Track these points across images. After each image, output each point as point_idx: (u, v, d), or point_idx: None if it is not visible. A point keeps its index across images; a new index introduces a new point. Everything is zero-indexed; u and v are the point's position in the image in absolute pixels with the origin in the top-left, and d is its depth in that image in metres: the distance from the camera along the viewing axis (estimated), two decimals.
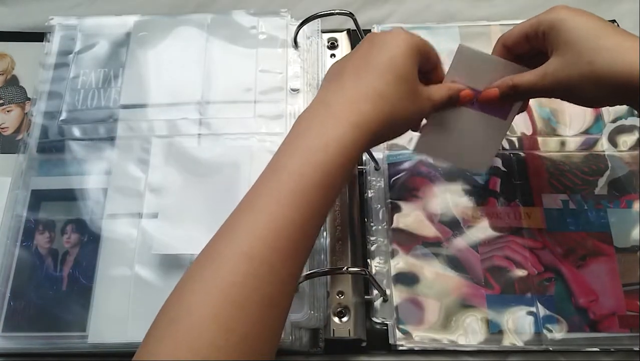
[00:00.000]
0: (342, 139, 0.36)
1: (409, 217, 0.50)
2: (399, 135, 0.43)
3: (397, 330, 0.46)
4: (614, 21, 0.58)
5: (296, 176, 0.35)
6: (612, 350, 0.45)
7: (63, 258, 0.49)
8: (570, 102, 0.42)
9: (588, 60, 0.38)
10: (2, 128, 0.56)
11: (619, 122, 0.54)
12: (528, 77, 0.41)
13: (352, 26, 0.56)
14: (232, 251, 0.33)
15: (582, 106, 0.42)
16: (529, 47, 0.43)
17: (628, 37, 0.38)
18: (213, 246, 0.35)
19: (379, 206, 0.51)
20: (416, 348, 0.46)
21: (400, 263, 0.48)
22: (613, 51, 0.38)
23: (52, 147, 0.53)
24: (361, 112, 0.37)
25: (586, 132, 0.53)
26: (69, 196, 0.51)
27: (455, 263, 0.48)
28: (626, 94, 0.38)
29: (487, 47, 0.58)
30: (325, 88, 0.41)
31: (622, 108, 0.54)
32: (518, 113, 0.46)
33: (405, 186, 0.51)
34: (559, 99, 0.42)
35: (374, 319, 0.47)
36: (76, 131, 0.54)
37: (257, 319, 0.32)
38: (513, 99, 0.44)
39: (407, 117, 0.41)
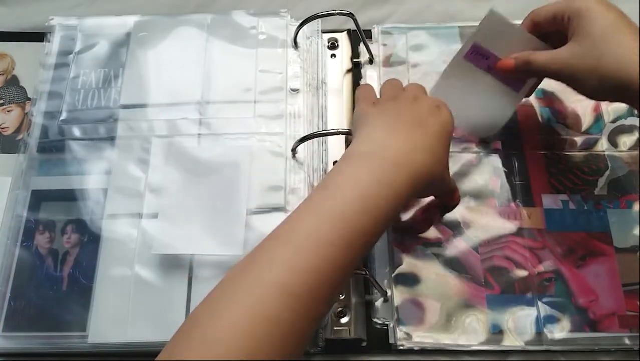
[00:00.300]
0: (399, 187, 0.37)
1: (409, 217, 0.50)
2: (427, 196, 0.47)
3: (397, 330, 0.46)
4: None
5: (346, 221, 0.35)
6: (612, 350, 0.45)
7: (63, 258, 0.49)
8: (574, 89, 0.43)
9: (598, 54, 0.39)
10: (2, 128, 0.56)
11: (619, 123, 0.54)
12: (543, 57, 0.43)
13: (352, 26, 0.56)
14: (269, 284, 0.33)
15: (584, 95, 0.43)
16: (556, 27, 0.44)
17: None
18: (245, 274, 0.34)
19: None
20: (416, 348, 0.46)
21: (401, 263, 0.48)
22: (623, 50, 0.38)
23: (52, 147, 0.53)
24: (417, 162, 0.38)
25: (586, 132, 0.53)
26: (69, 196, 0.51)
27: (456, 263, 0.48)
28: (627, 94, 0.39)
29: None
30: (370, 127, 0.41)
31: (622, 108, 0.54)
32: (527, 96, 0.49)
33: None
34: (565, 88, 0.43)
35: (374, 319, 0.47)
36: (76, 131, 0.54)
37: (283, 352, 0.32)
38: (526, 74, 0.46)
39: (443, 181, 0.43)
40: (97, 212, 0.50)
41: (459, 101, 0.46)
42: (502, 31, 0.46)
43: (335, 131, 0.50)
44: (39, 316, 0.46)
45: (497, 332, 0.46)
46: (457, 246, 0.49)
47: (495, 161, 0.52)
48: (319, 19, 0.56)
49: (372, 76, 0.56)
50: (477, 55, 0.47)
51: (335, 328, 0.47)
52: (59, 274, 0.48)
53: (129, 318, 0.46)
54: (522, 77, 0.47)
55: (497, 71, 0.47)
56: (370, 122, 0.42)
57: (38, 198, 0.51)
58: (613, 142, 0.53)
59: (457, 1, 0.63)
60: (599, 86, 0.40)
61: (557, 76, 0.43)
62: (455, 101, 0.45)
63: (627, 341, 0.45)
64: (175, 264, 0.47)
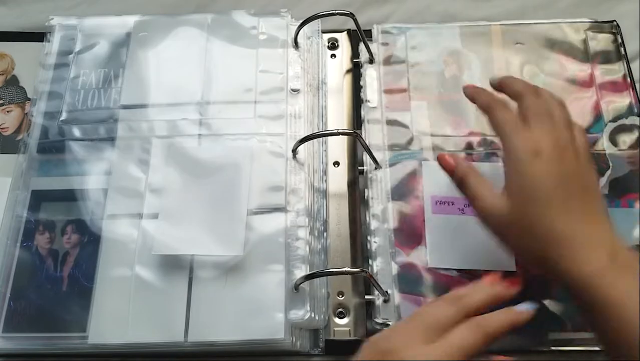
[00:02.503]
0: None
1: (410, 217, 0.50)
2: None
3: None
4: (614, 22, 0.58)
5: None
6: None
7: (63, 258, 0.49)
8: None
9: (534, 220, 0.37)
10: (2, 128, 0.56)
11: (619, 122, 0.54)
12: (482, 195, 0.40)
13: (353, 26, 0.55)
14: None
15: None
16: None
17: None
18: None
19: (380, 206, 0.50)
20: None
21: (401, 263, 0.48)
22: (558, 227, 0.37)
23: (52, 148, 0.53)
24: None
25: (587, 131, 0.53)
26: (69, 197, 0.51)
27: None
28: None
29: (487, 48, 0.58)
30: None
31: (622, 107, 0.54)
32: None
33: (406, 186, 0.51)
34: None
35: (375, 319, 0.47)
36: (76, 132, 0.54)
37: None
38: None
39: None
40: (97, 212, 0.50)
41: (459, 250, 0.46)
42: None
43: (336, 131, 0.50)
44: (39, 316, 0.46)
45: None
46: None
47: (496, 160, 0.52)
48: (319, 19, 0.56)
49: (372, 75, 0.56)
50: (442, 206, 0.48)
51: (335, 329, 0.47)
52: (59, 275, 0.48)
53: (129, 318, 0.46)
54: None
55: (470, 209, 0.46)
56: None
57: (38, 198, 0.51)
58: (613, 141, 0.53)
59: (457, 1, 0.63)
60: (532, 254, 0.39)
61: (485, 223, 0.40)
62: (455, 253, 0.46)
63: None
64: (175, 265, 0.47)
